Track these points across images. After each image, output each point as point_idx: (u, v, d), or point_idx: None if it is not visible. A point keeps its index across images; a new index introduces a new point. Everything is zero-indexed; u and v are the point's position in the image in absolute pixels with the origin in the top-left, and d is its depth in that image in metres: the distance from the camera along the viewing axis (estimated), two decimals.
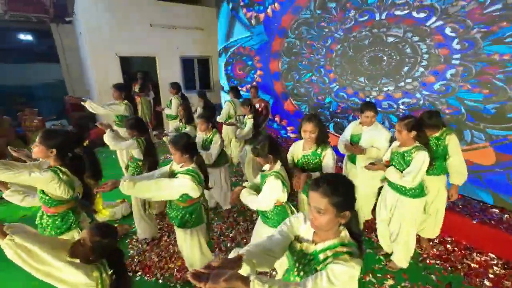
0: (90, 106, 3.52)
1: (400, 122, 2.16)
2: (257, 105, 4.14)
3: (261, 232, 2.01)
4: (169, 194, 1.94)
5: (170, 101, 4.95)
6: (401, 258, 2.40)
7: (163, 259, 2.67)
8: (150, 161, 2.57)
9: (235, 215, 3.40)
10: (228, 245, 2.89)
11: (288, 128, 5.61)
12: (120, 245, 2.78)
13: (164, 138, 4.85)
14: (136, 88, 6.41)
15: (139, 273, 2.52)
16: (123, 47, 6.08)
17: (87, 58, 6.02)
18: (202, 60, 7.28)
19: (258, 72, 6.03)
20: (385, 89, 3.77)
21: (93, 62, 5.86)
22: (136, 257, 2.71)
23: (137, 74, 6.41)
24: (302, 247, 1.19)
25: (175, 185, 1.90)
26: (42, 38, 8.18)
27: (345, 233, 1.12)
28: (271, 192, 1.82)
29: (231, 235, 3.05)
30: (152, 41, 6.38)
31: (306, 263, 1.15)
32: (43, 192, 1.71)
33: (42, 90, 8.75)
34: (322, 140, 2.18)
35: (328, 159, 2.17)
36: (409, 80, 3.48)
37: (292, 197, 2.04)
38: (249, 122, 3.74)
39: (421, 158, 2.07)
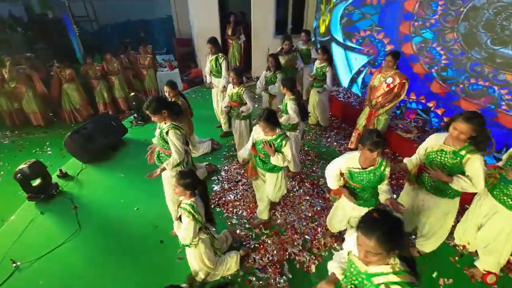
0: None
1: None
2: (389, 80, 3.41)
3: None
4: None
5: None
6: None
7: (239, 200, 3.28)
8: None
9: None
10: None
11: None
12: (208, 181, 3.50)
13: None
14: (229, 32, 6.58)
15: (218, 208, 3.20)
16: None
17: None
18: None
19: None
20: None
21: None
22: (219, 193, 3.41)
23: (230, 16, 6.46)
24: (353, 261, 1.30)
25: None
26: None
27: (394, 260, 1.15)
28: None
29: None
30: None
31: (358, 280, 1.28)
32: (164, 140, 2.38)
33: (156, 25, 9.92)
34: (477, 146, 1.88)
35: (475, 166, 1.89)
36: None
37: None
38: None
39: None
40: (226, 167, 3.82)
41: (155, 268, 2.52)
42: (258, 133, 2.40)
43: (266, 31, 6.74)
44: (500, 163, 2.18)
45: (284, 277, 2.40)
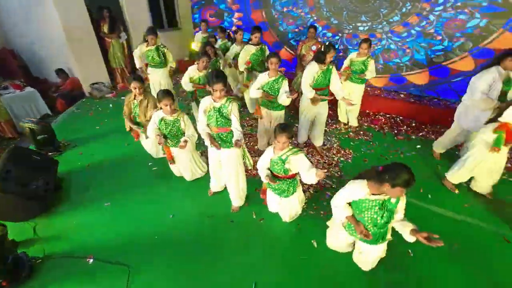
0: None
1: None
2: (314, 47, 4.53)
3: None
4: None
5: None
6: None
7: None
8: None
9: None
10: None
11: None
12: None
13: None
14: (105, 29, 5.69)
15: None
16: None
17: None
18: None
19: (236, 14, 6.14)
20: (361, 28, 4.89)
21: None
22: None
23: (103, 11, 5.57)
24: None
25: None
26: None
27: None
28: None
29: None
30: None
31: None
32: (225, 117, 2.41)
33: None
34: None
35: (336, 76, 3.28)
36: (384, 23, 4.69)
37: None
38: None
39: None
40: None
41: (279, 239, 2.54)
42: (263, 77, 3.12)
43: (144, 26, 6.34)
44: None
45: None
